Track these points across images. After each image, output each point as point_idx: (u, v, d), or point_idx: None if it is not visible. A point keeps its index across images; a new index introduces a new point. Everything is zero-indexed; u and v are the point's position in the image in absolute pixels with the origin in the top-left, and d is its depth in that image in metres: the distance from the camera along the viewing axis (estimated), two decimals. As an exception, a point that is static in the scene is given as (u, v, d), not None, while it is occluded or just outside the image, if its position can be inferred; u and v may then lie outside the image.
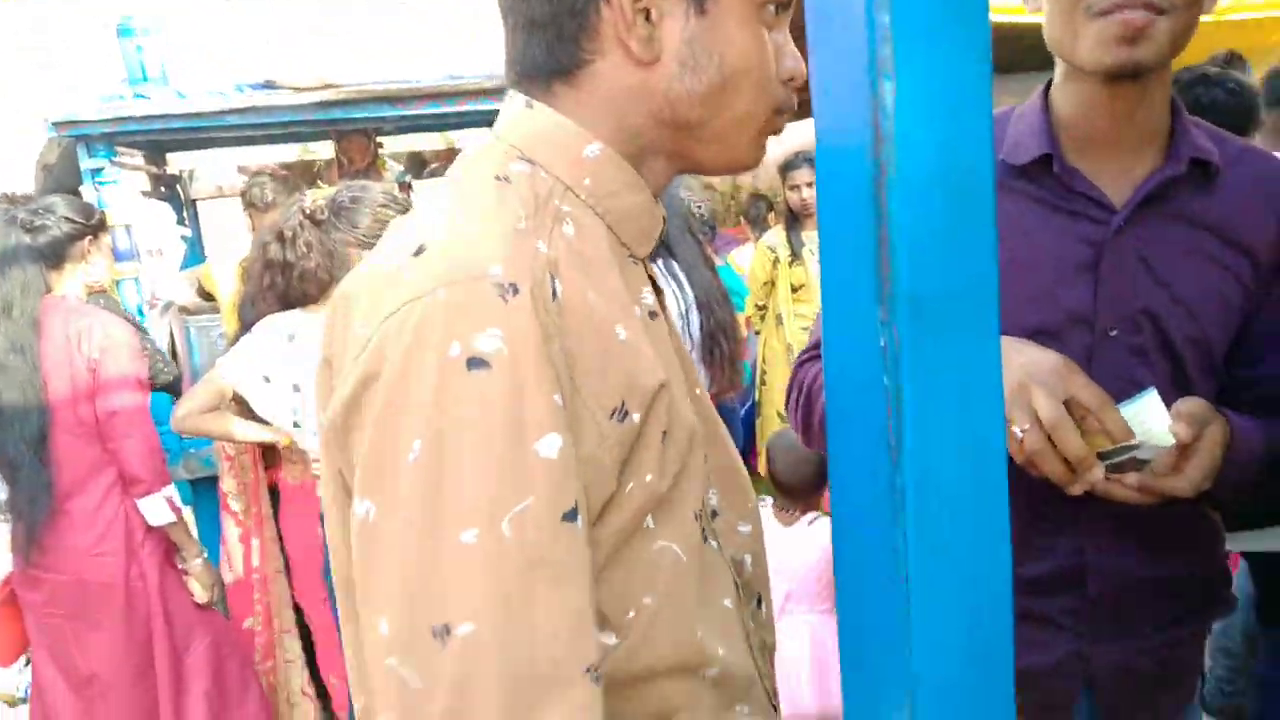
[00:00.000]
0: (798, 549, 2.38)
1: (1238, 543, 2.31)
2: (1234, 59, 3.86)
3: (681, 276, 2.42)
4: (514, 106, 0.79)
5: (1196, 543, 1.21)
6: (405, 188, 4.88)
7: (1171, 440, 0.99)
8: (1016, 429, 0.98)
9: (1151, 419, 1.00)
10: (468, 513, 0.61)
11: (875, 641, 0.56)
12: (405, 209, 2.51)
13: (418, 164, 6.49)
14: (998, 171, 1.16)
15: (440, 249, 0.67)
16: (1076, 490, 1.00)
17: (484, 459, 0.61)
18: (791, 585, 2.37)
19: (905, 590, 0.52)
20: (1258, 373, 1.18)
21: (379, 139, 4.40)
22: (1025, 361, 1.01)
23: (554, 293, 0.67)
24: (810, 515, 2.43)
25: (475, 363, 0.61)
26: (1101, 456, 0.99)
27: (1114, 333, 1.13)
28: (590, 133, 0.77)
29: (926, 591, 0.52)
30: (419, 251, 0.67)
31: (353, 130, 4.14)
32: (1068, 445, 0.97)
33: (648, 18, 0.74)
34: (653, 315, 0.78)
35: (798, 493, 2.43)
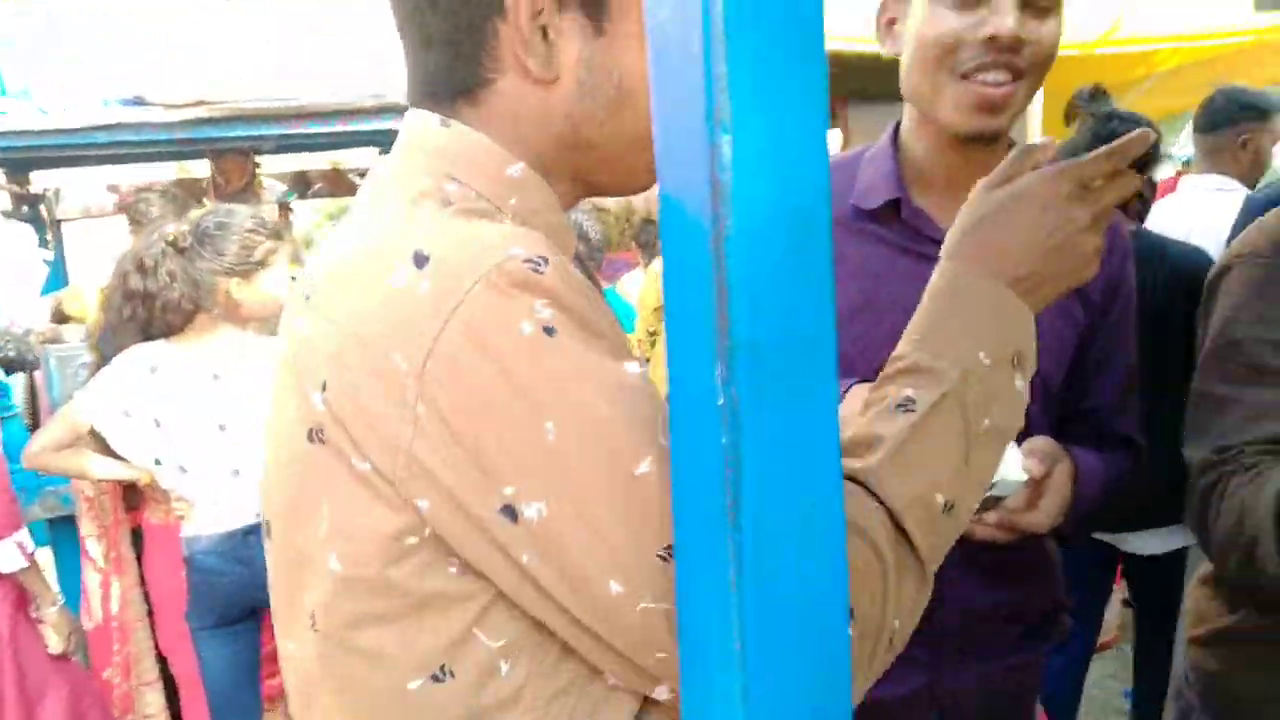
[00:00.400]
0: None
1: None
2: (1098, 93, 4.06)
3: None
4: (426, 124, 0.76)
5: (1036, 572, 1.27)
6: (285, 210, 4.74)
7: (1025, 477, 1.01)
8: None
9: (1005, 457, 1.02)
10: (626, 452, 0.61)
11: (717, 705, 0.54)
12: (276, 234, 2.42)
13: (302, 184, 6.34)
14: (850, 215, 1.19)
15: (449, 251, 0.63)
16: None
17: (605, 404, 0.61)
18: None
19: (742, 656, 0.50)
20: (1088, 405, 1.25)
21: (258, 158, 4.26)
22: None
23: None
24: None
25: (547, 332, 0.61)
26: None
27: None
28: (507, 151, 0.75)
29: (763, 659, 0.50)
30: (421, 261, 0.63)
31: (229, 149, 4.01)
32: None
33: (545, 36, 0.72)
34: None
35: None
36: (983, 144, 1.12)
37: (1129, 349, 1.27)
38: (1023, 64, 1.06)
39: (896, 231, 1.17)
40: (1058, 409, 1.21)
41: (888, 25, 1.18)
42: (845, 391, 1.04)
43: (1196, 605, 1.32)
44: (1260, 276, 1.12)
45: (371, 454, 0.63)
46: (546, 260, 0.63)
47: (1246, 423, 1.08)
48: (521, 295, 0.61)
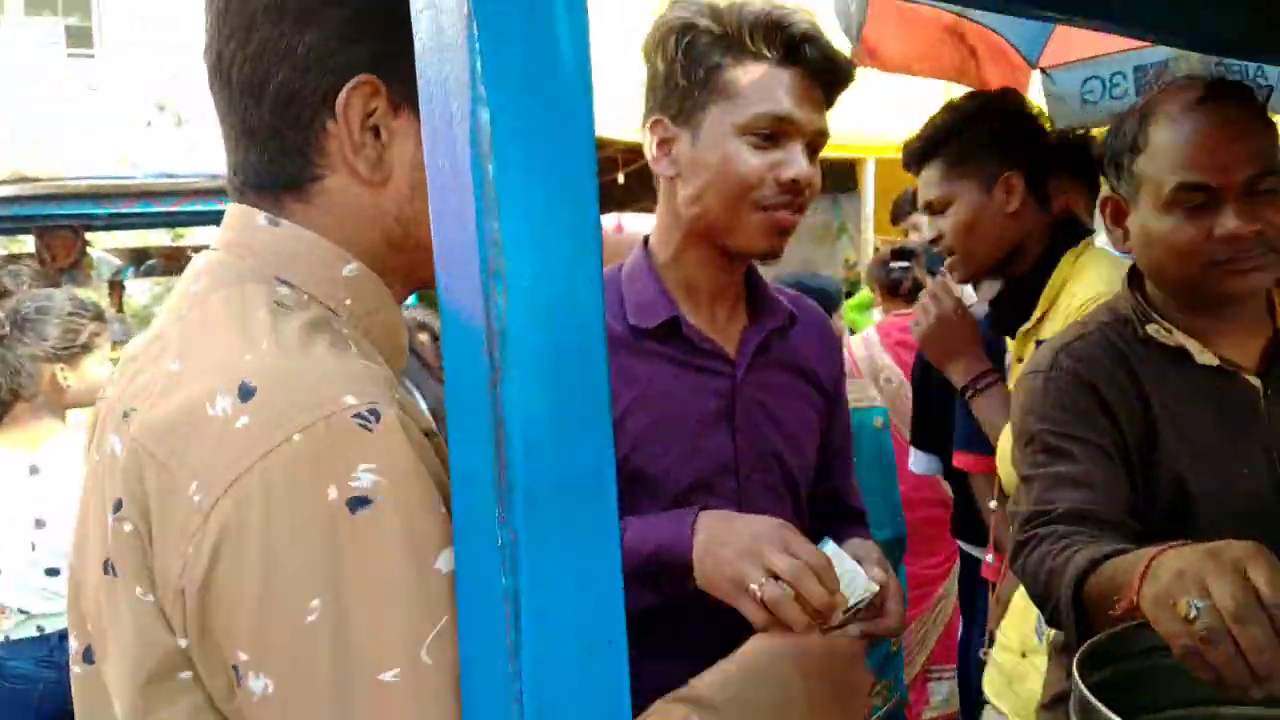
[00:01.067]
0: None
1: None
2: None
3: (414, 390, 2.42)
4: (252, 222, 0.73)
5: None
6: (118, 288, 4.53)
7: (876, 588, 1.07)
8: (753, 585, 1.01)
9: (844, 566, 1.07)
10: (385, 654, 0.56)
11: None
12: (98, 316, 2.33)
13: (139, 259, 6.12)
14: (630, 335, 1.25)
15: (276, 388, 0.60)
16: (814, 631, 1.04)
17: (392, 596, 0.57)
18: None
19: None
20: (830, 485, 1.41)
21: (87, 235, 4.08)
22: (744, 527, 1.08)
23: (401, 405, 0.63)
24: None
25: (357, 502, 0.56)
26: None
27: (753, 476, 1.25)
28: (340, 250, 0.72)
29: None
30: (246, 394, 0.59)
31: (56, 225, 3.82)
32: (814, 593, 1.00)
33: (377, 136, 0.71)
34: (429, 435, 0.74)
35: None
36: (754, 260, 1.27)
37: (848, 434, 1.45)
38: (806, 201, 1.20)
39: (677, 347, 1.24)
40: (804, 489, 1.34)
41: (662, 148, 1.25)
42: (693, 519, 1.11)
43: (1046, 674, 1.45)
44: (1040, 387, 1.30)
45: (155, 582, 0.61)
46: (379, 414, 0.59)
47: (1045, 491, 1.23)
48: (338, 457, 0.58)
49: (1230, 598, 0.77)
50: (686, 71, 1.19)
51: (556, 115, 0.53)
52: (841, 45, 2.59)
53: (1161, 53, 2.62)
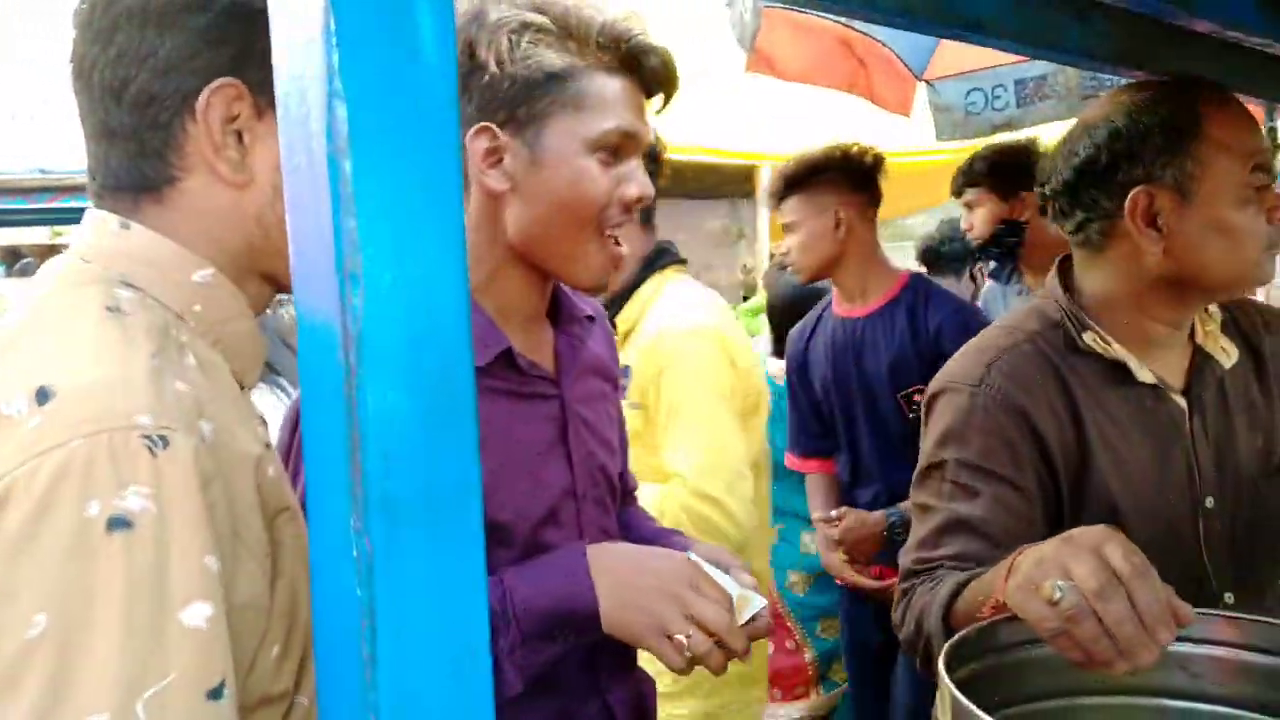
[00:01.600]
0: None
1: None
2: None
3: (289, 388, 2.37)
4: (103, 227, 0.72)
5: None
6: (-13, 289, 4.31)
7: (763, 602, 1.07)
8: (680, 636, 1.01)
9: (729, 588, 1.06)
10: (97, 695, 0.52)
11: None
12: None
13: (12, 258, 5.86)
14: None
15: (74, 394, 0.58)
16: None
17: (119, 632, 0.53)
18: None
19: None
20: (622, 471, 1.38)
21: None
22: (647, 565, 1.06)
23: (203, 435, 0.61)
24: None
25: (117, 523, 0.54)
26: None
27: (588, 494, 1.23)
28: (193, 255, 0.71)
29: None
30: (44, 396, 0.58)
31: (-83, 223, 3.62)
32: (738, 647, 1.04)
33: (240, 139, 0.71)
34: (267, 446, 0.73)
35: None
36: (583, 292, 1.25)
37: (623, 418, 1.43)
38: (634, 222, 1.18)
39: (510, 379, 1.17)
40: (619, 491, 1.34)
41: (489, 158, 1.12)
42: (584, 564, 1.06)
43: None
44: (965, 405, 1.23)
45: None
46: (169, 441, 0.58)
47: (941, 535, 1.19)
48: (113, 473, 0.56)
49: (1091, 576, 0.79)
50: (523, 76, 1.08)
51: (419, 112, 0.51)
52: (736, 53, 2.64)
53: (1041, 67, 2.74)
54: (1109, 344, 1.25)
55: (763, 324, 4.38)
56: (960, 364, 1.30)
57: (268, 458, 0.69)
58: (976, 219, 2.69)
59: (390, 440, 0.51)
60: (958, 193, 2.74)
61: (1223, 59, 1.48)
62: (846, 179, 2.42)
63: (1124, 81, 1.39)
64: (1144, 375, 1.25)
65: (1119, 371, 1.25)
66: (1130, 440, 1.24)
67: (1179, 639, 0.83)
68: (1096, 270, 1.28)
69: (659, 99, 1.16)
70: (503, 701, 0.52)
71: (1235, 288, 1.26)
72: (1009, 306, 2.70)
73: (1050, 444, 1.21)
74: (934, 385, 1.31)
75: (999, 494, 1.18)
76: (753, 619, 1.05)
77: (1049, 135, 4.64)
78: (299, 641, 0.70)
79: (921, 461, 1.27)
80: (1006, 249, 2.67)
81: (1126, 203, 1.21)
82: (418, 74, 0.51)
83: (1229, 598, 1.27)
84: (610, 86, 1.10)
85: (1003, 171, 2.64)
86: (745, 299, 4.67)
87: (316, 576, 0.55)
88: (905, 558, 1.23)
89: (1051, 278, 1.33)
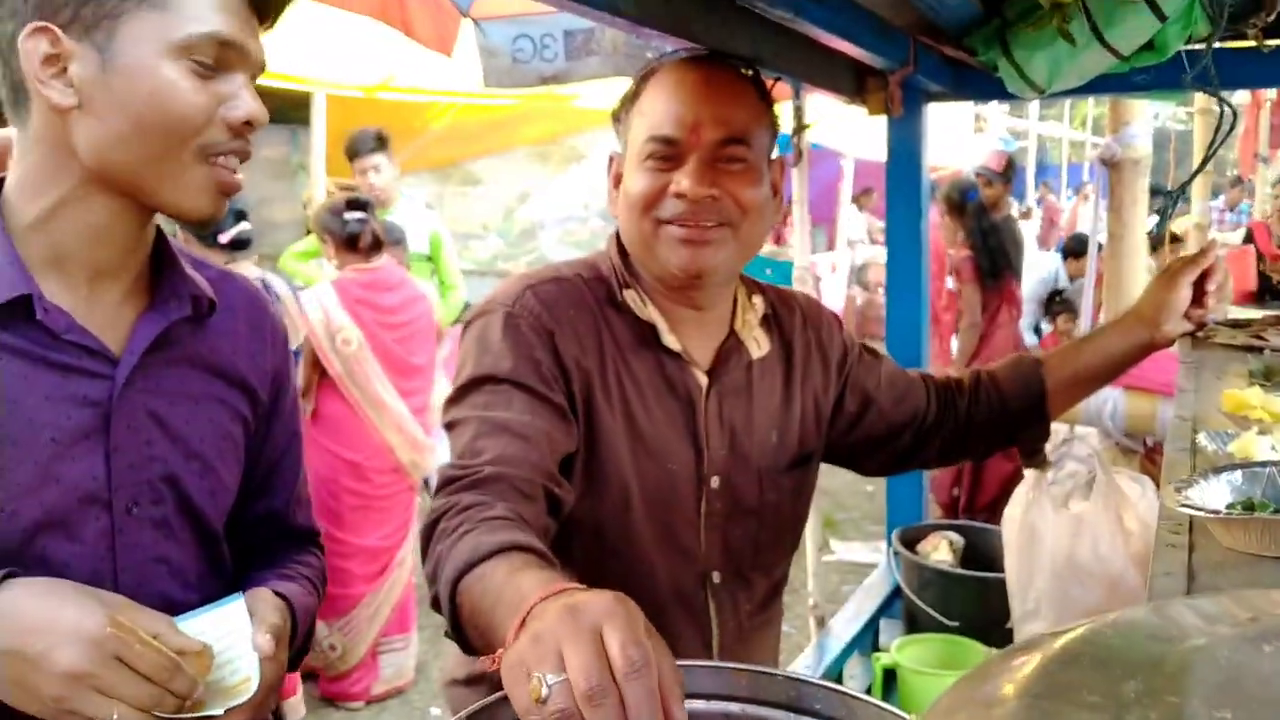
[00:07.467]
0: None
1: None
2: (382, 137, 4.20)
3: None
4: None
5: None
6: None
7: (252, 676, 0.95)
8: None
9: (238, 626, 0.98)
10: None
11: None
12: None
13: None
14: None
15: None
16: None
17: None
18: None
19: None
20: (270, 505, 1.20)
21: None
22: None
23: None
24: None
25: None
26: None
27: (135, 509, 1.01)
28: None
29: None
30: None
31: None
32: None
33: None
34: None
35: None
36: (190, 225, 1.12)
37: (300, 436, 1.24)
38: (250, 149, 1.02)
39: (27, 337, 0.95)
40: (217, 518, 1.12)
41: (48, 65, 0.95)
42: None
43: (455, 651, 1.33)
44: (498, 324, 1.24)
45: None
46: None
47: (478, 439, 1.14)
48: None
49: (583, 675, 0.68)
50: None
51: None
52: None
53: (591, 21, 2.72)
54: (645, 305, 1.30)
55: (319, 270, 4.00)
56: (503, 288, 1.31)
57: None
58: None
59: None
60: None
61: (760, 39, 1.52)
62: None
63: (671, 46, 1.38)
64: (669, 340, 1.30)
65: (649, 334, 1.30)
66: (646, 402, 1.29)
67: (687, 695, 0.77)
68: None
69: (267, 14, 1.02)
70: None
71: (647, 255, 1.30)
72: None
73: (572, 377, 1.24)
74: (474, 309, 1.30)
75: (531, 403, 1.18)
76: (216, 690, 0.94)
77: (594, 92, 4.74)
78: None
79: (456, 383, 1.24)
80: None
81: None
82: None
83: (716, 576, 1.35)
84: None
85: None
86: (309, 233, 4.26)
87: None
88: (439, 485, 1.12)
89: (611, 239, 1.39)
